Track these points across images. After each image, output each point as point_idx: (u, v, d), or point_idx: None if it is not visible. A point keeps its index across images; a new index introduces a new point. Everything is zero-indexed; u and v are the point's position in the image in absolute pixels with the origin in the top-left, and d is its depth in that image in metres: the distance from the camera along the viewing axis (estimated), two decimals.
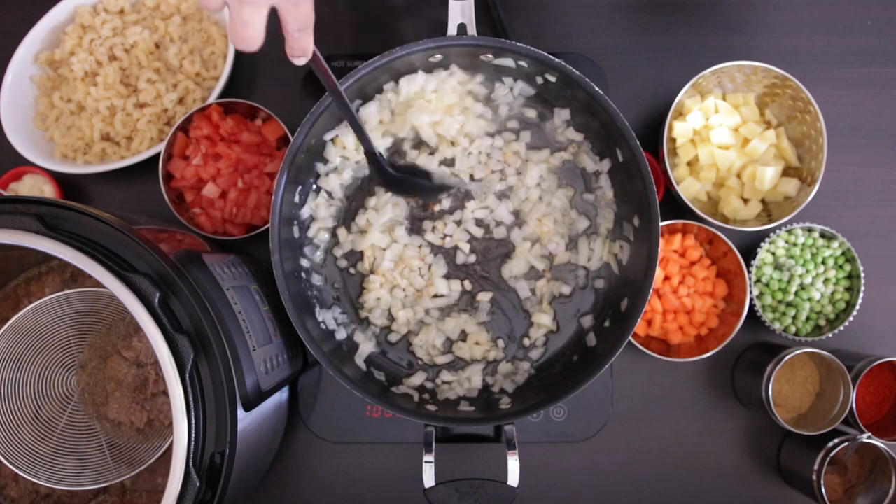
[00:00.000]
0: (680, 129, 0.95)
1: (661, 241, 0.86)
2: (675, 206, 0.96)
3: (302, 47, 0.63)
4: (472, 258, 0.93)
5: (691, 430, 0.99)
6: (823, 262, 0.95)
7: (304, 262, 0.91)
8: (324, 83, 0.73)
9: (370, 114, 0.91)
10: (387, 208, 0.92)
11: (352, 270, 0.93)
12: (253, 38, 0.57)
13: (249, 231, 0.95)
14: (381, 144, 0.92)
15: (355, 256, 0.93)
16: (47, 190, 0.98)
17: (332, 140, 0.90)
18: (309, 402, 0.93)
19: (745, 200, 0.96)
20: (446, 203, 0.93)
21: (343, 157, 0.92)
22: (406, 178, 0.88)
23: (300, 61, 0.65)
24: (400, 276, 0.92)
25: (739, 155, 0.94)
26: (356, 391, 0.80)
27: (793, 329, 0.95)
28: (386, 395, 0.86)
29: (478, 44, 0.84)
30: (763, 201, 0.97)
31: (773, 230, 0.95)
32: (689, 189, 0.95)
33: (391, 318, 0.92)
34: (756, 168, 0.93)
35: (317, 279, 0.92)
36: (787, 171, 0.96)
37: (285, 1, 0.58)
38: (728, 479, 0.98)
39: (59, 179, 0.99)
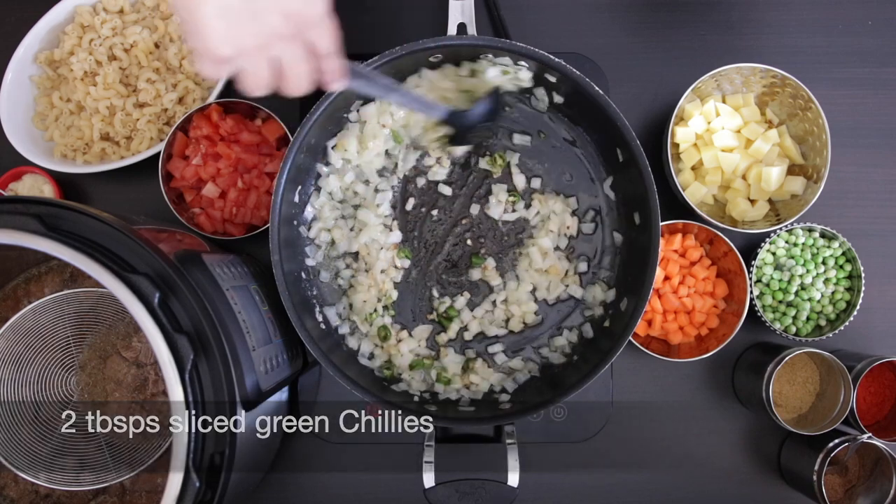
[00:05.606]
0: (682, 135, 0.95)
1: (661, 241, 0.86)
2: (678, 208, 0.95)
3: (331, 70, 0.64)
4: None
5: (691, 430, 0.99)
6: (824, 262, 0.95)
7: (305, 262, 0.91)
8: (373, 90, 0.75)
9: (369, 114, 0.91)
10: (385, 198, 0.91)
11: (349, 271, 0.93)
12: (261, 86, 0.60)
13: (249, 231, 0.94)
14: (384, 146, 0.92)
15: (352, 257, 0.93)
16: (47, 190, 0.98)
17: (334, 146, 0.90)
18: (309, 402, 0.93)
19: (753, 201, 0.96)
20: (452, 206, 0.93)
21: (345, 160, 0.92)
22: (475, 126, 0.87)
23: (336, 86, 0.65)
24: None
25: (743, 156, 0.94)
26: (356, 391, 0.80)
27: (793, 329, 0.94)
28: (386, 394, 0.86)
29: (478, 43, 0.84)
30: (770, 201, 0.97)
31: (774, 231, 0.95)
32: (694, 193, 0.94)
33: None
34: (761, 168, 0.93)
35: (317, 279, 0.92)
36: (793, 170, 0.96)
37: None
38: (728, 479, 0.98)
39: (59, 179, 0.99)
